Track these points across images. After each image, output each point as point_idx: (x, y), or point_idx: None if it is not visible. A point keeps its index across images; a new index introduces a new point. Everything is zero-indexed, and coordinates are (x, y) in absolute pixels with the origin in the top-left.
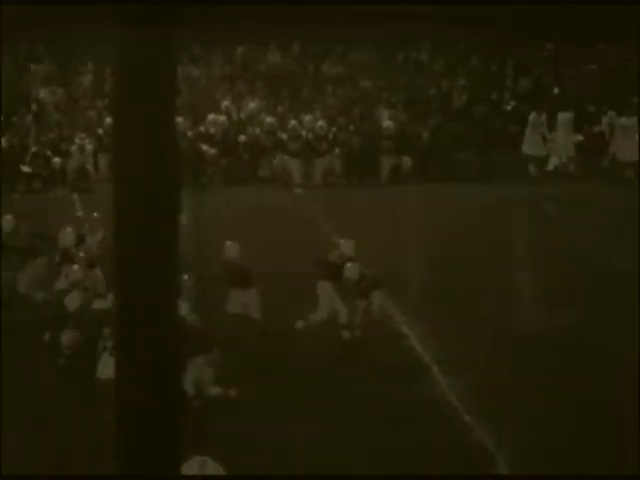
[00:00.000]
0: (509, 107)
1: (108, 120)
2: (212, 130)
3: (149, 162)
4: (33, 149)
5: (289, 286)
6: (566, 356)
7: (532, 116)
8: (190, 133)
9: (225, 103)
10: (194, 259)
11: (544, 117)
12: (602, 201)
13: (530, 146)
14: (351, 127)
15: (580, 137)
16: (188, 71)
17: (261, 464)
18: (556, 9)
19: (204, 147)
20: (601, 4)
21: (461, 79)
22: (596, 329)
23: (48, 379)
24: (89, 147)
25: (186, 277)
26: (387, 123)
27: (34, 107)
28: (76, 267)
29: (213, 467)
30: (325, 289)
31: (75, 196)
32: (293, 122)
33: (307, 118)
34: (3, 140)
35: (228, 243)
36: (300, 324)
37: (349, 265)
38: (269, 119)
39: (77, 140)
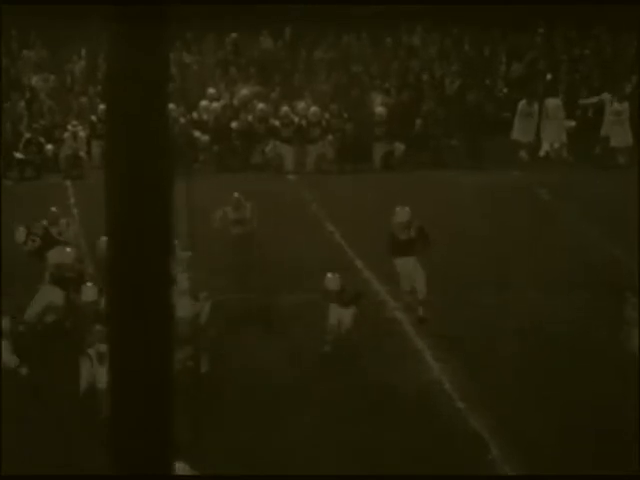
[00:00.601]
0: (501, 94)
1: (101, 107)
2: (205, 117)
3: (142, 149)
4: (26, 136)
5: (284, 272)
6: (559, 342)
7: (521, 104)
8: (182, 120)
9: (210, 90)
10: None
11: (536, 105)
12: (593, 187)
13: (519, 133)
14: (344, 114)
15: (573, 123)
16: (181, 57)
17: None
18: None
19: (196, 134)
20: None
21: (454, 65)
22: (585, 317)
23: None
24: (82, 134)
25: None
26: (379, 109)
27: (27, 94)
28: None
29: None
30: (404, 265)
31: (68, 183)
32: (285, 109)
33: (300, 105)
34: None
35: None
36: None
37: (329, 276)
38: (261, 105)
39: (70, 127)
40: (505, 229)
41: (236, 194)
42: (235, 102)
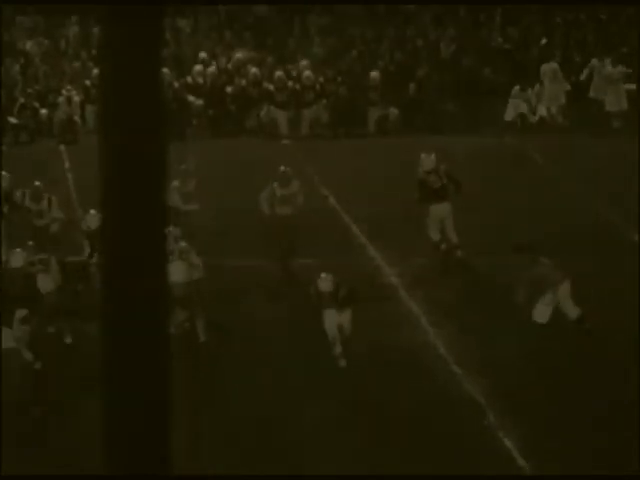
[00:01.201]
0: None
1: (95, 71)
2: (199, 80)
3: (135, 114)
4: (20, 100)
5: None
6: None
7: (514, 90)
8: (176, 84)
9: (202, 54)
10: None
11: (530, 91)
12: (588, 151)
13: (512, 112)
14: (338, 78)
15: (568, 87)
16: (175, 22)
17: None
18: None
19: (190, 98)
20: None
21: (449, 29)
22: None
23: None
24: (76, 99)
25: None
26: (374, 74)
27: (21, 59)
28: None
29: None
30: (440, 210)
31: (62, 147)
32: (279, 73)
33: (293, 69)
34: None
35: None
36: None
37: (323, 276)
38: (254, 70)
39: (64, 92)
40: (499, 193)
41: (282, 167)
42: (230, 66)
